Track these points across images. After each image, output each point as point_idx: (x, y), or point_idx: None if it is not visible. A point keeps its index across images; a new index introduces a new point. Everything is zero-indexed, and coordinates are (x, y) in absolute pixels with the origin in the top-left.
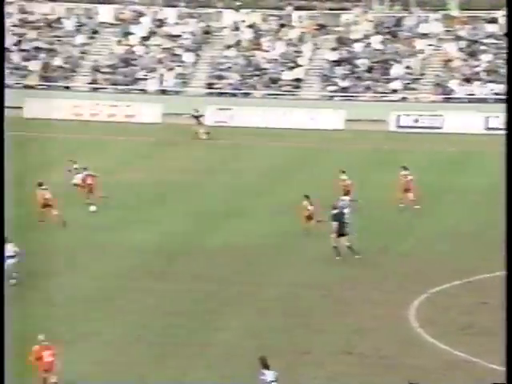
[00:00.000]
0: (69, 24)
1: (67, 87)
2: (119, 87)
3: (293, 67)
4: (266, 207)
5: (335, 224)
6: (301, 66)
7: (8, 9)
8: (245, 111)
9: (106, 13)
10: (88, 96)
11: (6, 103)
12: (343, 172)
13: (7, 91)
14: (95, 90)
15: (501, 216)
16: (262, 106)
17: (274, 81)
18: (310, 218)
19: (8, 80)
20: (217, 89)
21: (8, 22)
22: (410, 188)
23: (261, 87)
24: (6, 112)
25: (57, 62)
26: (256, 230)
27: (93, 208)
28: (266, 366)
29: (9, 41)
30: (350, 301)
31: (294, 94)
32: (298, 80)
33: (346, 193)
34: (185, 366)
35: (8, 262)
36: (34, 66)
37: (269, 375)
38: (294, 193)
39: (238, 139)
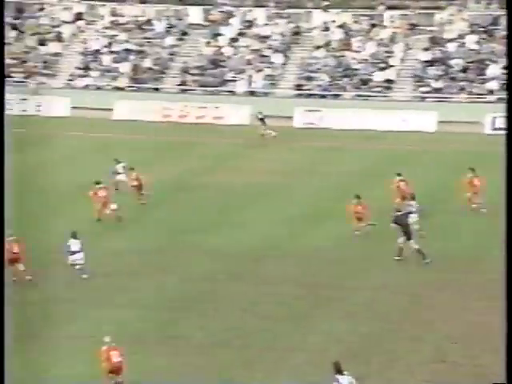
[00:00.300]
0: (159, 26)
1: (156, 89)
2: (208, 89)
3: (384, 68)
4: None
5: (396, 226)
6: (392, 66)
7: (100, 11)
8: (334, 113)
9: (195, 14)
10: (177, 98)
11: (97, 105)
12: (399, 175)
13: (98, 93)
14: (184, 91)
15: None
16: (352, 107)
17: (365, 82)
18: (360, 218)
19: (98, 82)
20: (306, 90)
21: (99, 24)
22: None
23: (351, 88)
24: (97, 114)
25: (146, 63)
26: (344, 233)
27: (114, 206)
28: (340, 372)
29: (100, 43)
30: (440, 306)
31: (384, 96)
32: (389, 81)
33: (405, 195)
34: (272, 370)
35: (75, 257)
36: (124, 67)
37: (343, 381)
38: (384, 196)
39: (327, 141)
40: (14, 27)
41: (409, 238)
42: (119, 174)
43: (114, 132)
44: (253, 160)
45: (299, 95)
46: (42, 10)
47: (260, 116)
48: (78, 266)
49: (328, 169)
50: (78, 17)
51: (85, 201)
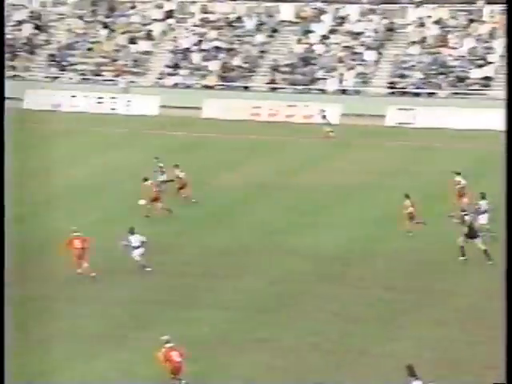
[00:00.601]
0: (249, 23)
1: (246, 87)
2: (298, 87)
3: (482, 65)
4: (447, 212)
5: (463, 226)
6: (491, 63)
7: (190, 9)
8: (428, 111)
9: (286, 11)
10: (266, 96)
11: (186, 104)
12: (458, 174)
13: (186, 91)
14: (274, 89)
15: None
16: (447, 105)
17: (461, 79)
18: (411, 218)
19: (188, 80)
20: (399, 88)
21: (190, 21)
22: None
23: (446, 86)
24: (185, 112)
25: (236, 61)
26: (436, 234)
27: (143, 202)
28: (414, 375)
29: (189, 41)
30: None
31: (482, 94)
32: (487, 78)
33: (461, 195)
34: (361, 375)
35: (136, 252)
36: (214, 66)
37: None
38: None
39: (420, 140)
40: (105, 26)
41: (473, 237)
42: (160, 173)
43: (202, 131)
44: (342, 160)
45: (392, 93)
46: (133, 8)
47: (323, 114)
48: (138, 261)
49: (420, 168)
50: (169, 15)
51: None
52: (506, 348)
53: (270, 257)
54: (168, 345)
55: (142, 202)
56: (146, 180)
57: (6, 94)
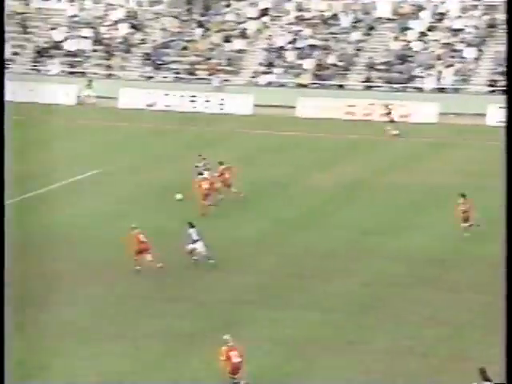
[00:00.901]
0: (345, 20)
1: (340, 86)
2: (394, 85)
3: None
4: None
5: None
6: None
7: (285, 6)
8: None
9: (384, 8)
10: (361, 95)
11: (280, 102)
12: None
13: (279, 90)
14: (369, 88)
15: None
16: None
17: None
18: (466, 219)
19: (282, 79)
20: (500, 86)
21: (284, 19)
22: None
23: None
24: (279, 111)
25: (331, 59)
26: None
27: (179, 196)
28: (487, 379)
29: (284, 39)
30: None
31: None
32: None
33: None
34: (460, 381)
35: (196, 245)
36: (308, 64)
37: None
38: None
39: None
40: (200, 24)
41: None
42: (201, 172)
43: (295, 130)
44: (439, 160)
45: (492, 91)
46: (228, 6)
47: (387, 111)
48: (199, 253)
49: None
50: (264, 12)
51: (269, 200)
52: (506, 348)
53: (362, 258)
54: (228, 344)
55: (178, 196)
56: (200, 174)
57: (102, 93)
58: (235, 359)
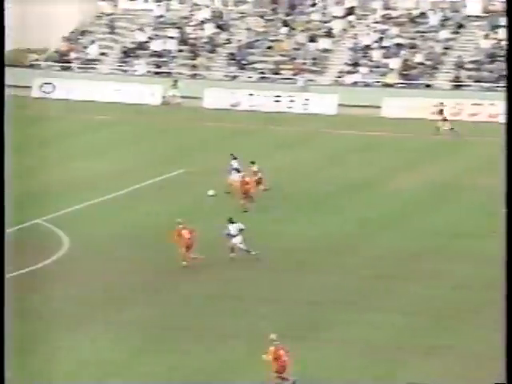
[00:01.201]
0: (433, 18)
1: (428, 85)
2: (484, 84)
3: None
4: None
5: None
6: None
7: (372, 5)
8: None
9: (473, 5)
10: (449, 94)
11: (365, 102)
12: None
13: (365, 90)
14: (457, 87)
15: None
16: None
17: None
18: None
19: (367, 78)
20: None
21: (371, 18)
22: None
23: None
24: (364, 111)
25: (418, 58)
26: None
27: (211, 192)
28: None
29: (370, 38)
30: None
31: None
32: None
33: None
34: None
35: (235, 240)
36: (394, 63)
37: None
38: None
39: None
40: (286, 24)
41: None
42: (234, 171)
43: (381, 130)
44: None
45: None
46: (313, 5)
47: (440, 107)
48: (240, 247)
49: None
50: (350, 11)
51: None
52: (506, 347)
53: (452, 261)
54: (275, 343)
55: (210, 192)
56: (253, 163)
57: (187, 93)
58: (283, 358)
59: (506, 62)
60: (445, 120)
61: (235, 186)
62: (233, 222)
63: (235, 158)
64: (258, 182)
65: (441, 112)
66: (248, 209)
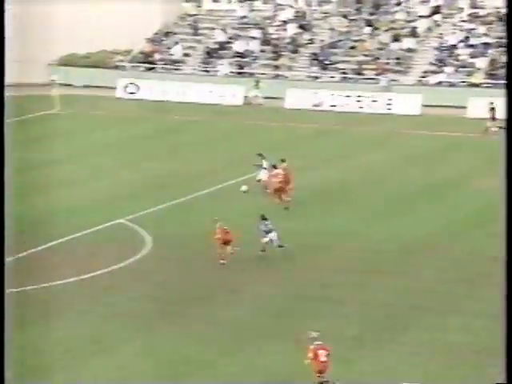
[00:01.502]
0: None
1: None
2: None
3: None
4: None
5: None
6: None
7: (459, 3)
8: None
9: None
10: None
11: (450, 102)
12: None
13: (450, 90)
14: None
15: None
16: None
17: None
18: None
19: (452, 78)
20: None
21: (457, 17)
22: None
23: None
24: (449, 111)
25: (505, 58)
26: None
27: (244, 188)
28: None
29: (456, 37)
30: None
31: None
32: None
33: None
34: None
35: (270, 236)
36: (481, 63)
37: None
38: None
39: None
40: (369, 24)
41: None
42: (262, 170)
43: (466, 131)
44: None
45: None
46: (398, 4)
47: (491, 106)
48: (274, 243)
49: None
50: (436, 10)
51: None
52: (506, 347)
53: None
54: (316, 342)
55: (243, 188)
56: (283, 160)
57: (269, 94)
58: (323, 358)
59: (506, 62)
60: (494, 119)
61: (264, 184)
62: (265, 219)
63: (264, 158)
64: (287, 181)
65: (492, 110)
66: (288, 206)
